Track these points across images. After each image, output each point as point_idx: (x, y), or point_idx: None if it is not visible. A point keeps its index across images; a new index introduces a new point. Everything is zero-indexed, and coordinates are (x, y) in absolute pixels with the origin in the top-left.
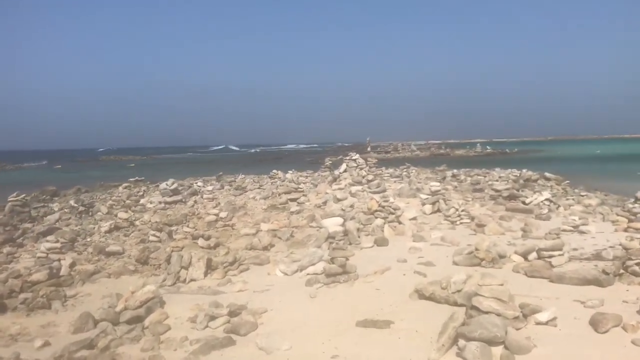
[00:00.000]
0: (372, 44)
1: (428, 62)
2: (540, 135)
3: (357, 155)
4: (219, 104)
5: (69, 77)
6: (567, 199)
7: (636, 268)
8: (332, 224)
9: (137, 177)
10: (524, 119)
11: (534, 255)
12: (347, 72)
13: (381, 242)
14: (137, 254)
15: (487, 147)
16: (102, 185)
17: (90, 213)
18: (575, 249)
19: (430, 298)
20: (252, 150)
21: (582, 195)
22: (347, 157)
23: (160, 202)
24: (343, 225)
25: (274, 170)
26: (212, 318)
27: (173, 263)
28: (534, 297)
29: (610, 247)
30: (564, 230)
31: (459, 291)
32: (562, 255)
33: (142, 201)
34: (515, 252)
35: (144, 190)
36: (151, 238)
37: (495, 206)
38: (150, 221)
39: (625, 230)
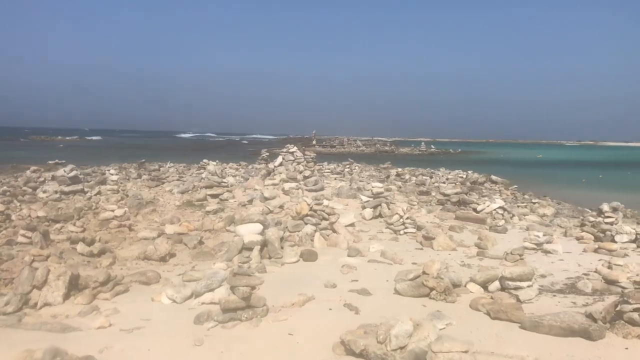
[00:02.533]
0: (326, 36)
1: (379, 60)
2: (481, 137)
3: (295, 147)
4: (188, 89)
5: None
6: (519, 206)
7: (635, 316)
8: (249, 232)
9: (57, 160)
10: (466, 121)
11: (496, 285)
12: (303, 61)
13: (308, 256)
14: None
15: (432, 146)
16: (13, 167)
17: None
18: (543, 276)
19: (362, 356)
20: (188, 135)
21: (534, 203)
22: (284, 150)
23: (56, 192)
24: (262, 233)
25: (205, 160)
26: None
27: (22, 281)
28: (504, 357)
29: (585, 274)
30: (527, 248)
31: (401, 348)
32: (532, 286)
33: (38, 190)
34: (473, 280)
35: (53, 176)
36: (19, 239)
37: (444, 213)
38: (29, 216)
39: (596, 251)
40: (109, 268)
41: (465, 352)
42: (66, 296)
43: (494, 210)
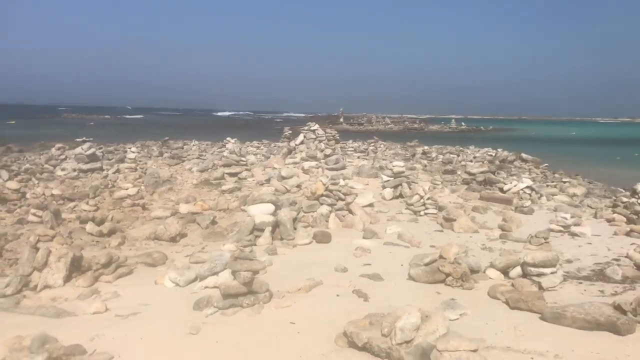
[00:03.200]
0: (354, 18)
1: (408, 40)
2: (514, 114)
3: (317, 125)
4: (219, 67)
5: (43, 29)
6: (549, 186)
7: None
8: (260, 213)
9: (84, 138)
10: (499, 97)
11: (517, 271)
12: (329, 42)
13: (322, 237)
14: None
15: (462, 123)
16: (41, 145)
17: None
18: (569, 261)
19: (365, 349)
20: (225, 114)
21: (565, 182)
22: (306, 127)
23: (74, 170)
24: (274, 214)
25: (228, 138)
26: None
27: (22, 262)
28: (521, 353)
29: (615, 259)
30: (553, 231)
31: (407, 343)
32: (555, 272)
33: (57, 168)
34: (492, 266)
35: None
36: (30, 218)
37: (469, 193)
38: (43, 194)
39: (628, 234)
40: (117, 248)
41: (474, 350)
42: (67, 278)
43: (521, 190)
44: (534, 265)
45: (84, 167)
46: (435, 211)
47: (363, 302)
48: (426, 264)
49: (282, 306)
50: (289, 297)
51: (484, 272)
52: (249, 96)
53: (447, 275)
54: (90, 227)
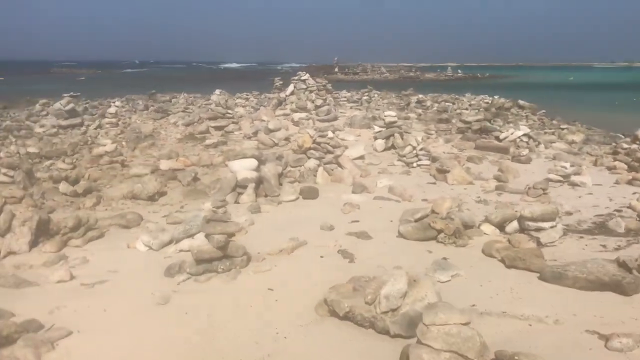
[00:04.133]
0: None
1: None
2: (511, 60)
3: (307, 75)
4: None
5: None
6: (546, 133)
7: None
8: (242, 168)
9: (72, 93)
10: (495, 43)
11: (514, 225)
12: None
13: (308, 193)
14: None
15: (459, 70)
16: (27, 101)
17: None
18: (569, 213)
19: (347, 318)
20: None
21: (563, 129)
22: (296, 77)
23: (53, 126)
24: (257, 169)
25: (218, 90)
26: None
27: None
28: (518, 319)
29: (617, 210)
30: (551, 181)
31: (393, 311)
32: (555, 226)
33: (36, 124)
34: (488, 220)
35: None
36: (1, 179)
37: (463, 142)
38: (17, 152)
39: (630, 182)
40: (91, 209)
41: (466, 324)
42: (33, 243)
43: (518, 138)
44: (532, 220)
45: (63, 123)
46: (428, 162)
47: (348, 264)
48: (417, 220)
49: (261, 270)
50: (269, 260)
51: (479, 227)
52: (255, 48)
53: (439, 231)
54: (63, 187)
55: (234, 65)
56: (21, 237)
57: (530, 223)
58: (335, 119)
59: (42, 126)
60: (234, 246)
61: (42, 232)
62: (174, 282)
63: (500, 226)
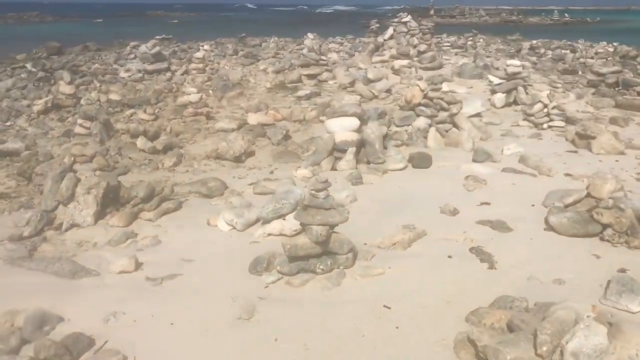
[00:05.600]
0: None
1: None
2: (622, 3)
3: (409, 17)
4: None
5: None
6: None
7: None
8: (342, 129)
9: (164, 35)
10: None
11: None
12: None
13: (420, 161)
14: (20, 164)
15: (566, 15)
16: (120, 43)
17: (52, 81)
18: None
19: None
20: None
21: None
22: (396, 20)
23: (139, 71)
24: (359, 130)
25: (310, 34)
26: None
27: (45, 194)
28: None
29: None
30: None
31: None
32: None
33: (121, 69)
34: None
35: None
36: (77, 130)
37: (599, 99)
38: (98, 100)
39: None
40: (170, 170)
41: None
42: (99, 215)
43: None
44: None
45: (149, 67)
46: (562, 124)
47: (487, 271)
48: (568, 206)
49: (371, 274)
50: (380, 256)
51: None
52: None
53: (605, 226)
54: (141, 142)
55: (340, 7)
56: (85, 207)
57: None
58: (441, 66)
59: (127, 70)
60: (338, 240)
61: (111, 200)
62: (261, 282)
63: None
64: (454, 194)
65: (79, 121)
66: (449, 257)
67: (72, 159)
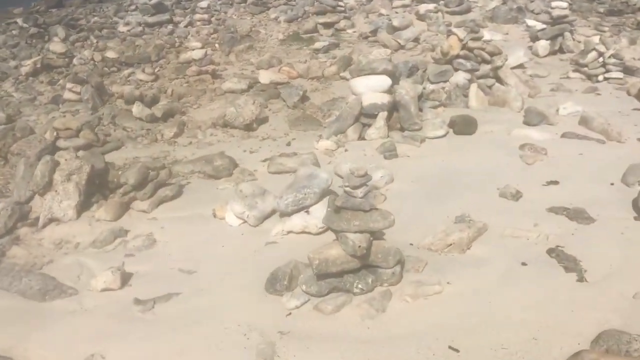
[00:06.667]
0: None
1: None
2: None
3: None
4: None
5: None
6: None
7: None
8: (370, 90)
9: None
10: None
11: None
12: None
13: (463, 125)
14: None
15: None
16: None
17: (45, 37)
18: None
19: None
20: None
21: None
22: None
23: (139, 24)
24: (390, 91)
25: None
26: None
27: (17, 182)
28: None
29: None
30: None
31: None
32: None
33: (120, 22)
34: None
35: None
36: (66, 95)
37: None
38: (92, 59)
39: None
40: (171, 142)
41: None
42: (83, 206)
43: None
44: None
45: (150, 20)
46: (621, 75)
47: (576, 285)
48: None
49: (426, 293)
50: (433, 263)
51: None
52: None
53: None
54: (137, 109)
55: None
56: (66, 197)
57: None
58: (469, 10)
59: (127, 24)
60: (382, 250)
61: (97, 187)
62: (281, 306)
63: None
64: (510, 169)
65: (69, 85)
66: (523, 264)
67: (55, 134)
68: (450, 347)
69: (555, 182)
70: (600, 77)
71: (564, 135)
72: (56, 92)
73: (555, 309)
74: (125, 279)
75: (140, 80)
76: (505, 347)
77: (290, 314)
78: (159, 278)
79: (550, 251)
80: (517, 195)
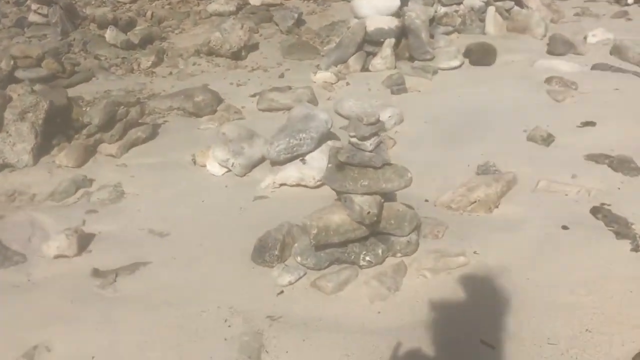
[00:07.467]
0: None
1: None
2: None
3: None
4: None
5: None
6: None
7: None
8: (376, 12)
9: None
10: None
11: None
12: None
13: (480, 55)
14: None
15: None
16: None
17: None
18: None
19: None
20: None
21: None
22: None
23: None
24: (399, 14)
25: None
26: None
27: None
28: None
29: None
30: None
31: None
32: None
33: None
34: None
35: None
36: (32, 18)
37: None
38: None
39: None
40: (148, 73)
41: None
42: (41, 149)
43: None
44: None
45: None
46: None
47: (631, 255)
48: None
49: (449, 267)
50: (455, 225)
51: None
52: None
53: None
54: (110, 34)
55: None
56: (19, 139)
57: None
58: None
59: None
60: (395, 214)
61: (58, 127)
62: (271, 281)
63: None
64: (537, 106)
65: (34, 6)
66: (564, 227)
67: (12, 63)
68: (482, 342)
69: (592, 123)
70: (630, 0)
71: (595, 67)
72: (22, 14)
73: (609, 289)
74: (84, 243)
75: (118, 2)
76: (552, 341)
77: (282, 292)
78: (125, 242)
79: (595, 211)
80: (548, 140)
